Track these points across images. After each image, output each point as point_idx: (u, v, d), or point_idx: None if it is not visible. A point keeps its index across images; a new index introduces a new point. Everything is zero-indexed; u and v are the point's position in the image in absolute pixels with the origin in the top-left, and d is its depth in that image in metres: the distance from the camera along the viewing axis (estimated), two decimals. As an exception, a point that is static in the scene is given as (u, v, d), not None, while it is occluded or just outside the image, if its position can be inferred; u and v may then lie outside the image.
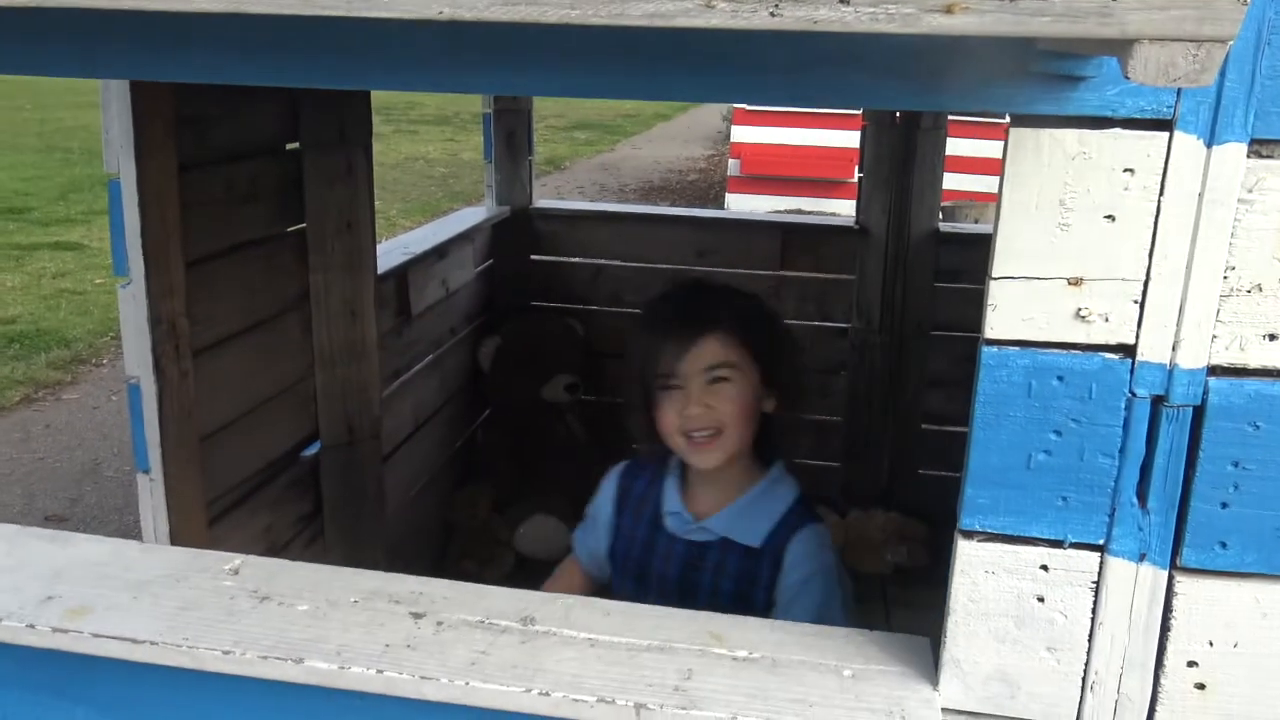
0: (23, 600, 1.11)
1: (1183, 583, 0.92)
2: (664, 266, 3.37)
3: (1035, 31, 0.60)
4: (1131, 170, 0.85)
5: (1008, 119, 0.88)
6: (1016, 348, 0.90)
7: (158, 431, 1.74)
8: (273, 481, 2.20)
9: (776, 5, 0.61)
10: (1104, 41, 0.62)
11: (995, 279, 0.89)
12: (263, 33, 0.84)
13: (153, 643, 1.05)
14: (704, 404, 1.49)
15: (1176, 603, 0.93)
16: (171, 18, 0.70)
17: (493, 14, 0.62)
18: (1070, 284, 0.88)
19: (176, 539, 1.80)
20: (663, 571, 1.61)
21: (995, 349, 0.90)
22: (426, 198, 10.59)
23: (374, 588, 1.15)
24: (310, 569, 1.19)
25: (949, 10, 0.60)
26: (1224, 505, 0.90)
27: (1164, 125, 0.85)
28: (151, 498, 1.79)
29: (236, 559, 1.20)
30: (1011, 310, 0.89)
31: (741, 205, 8.96)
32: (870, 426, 3.38)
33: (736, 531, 1.57)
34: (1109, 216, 0.87)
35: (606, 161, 13.85)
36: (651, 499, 1.66)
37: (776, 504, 1.58)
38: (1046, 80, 0.83)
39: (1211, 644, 0.93)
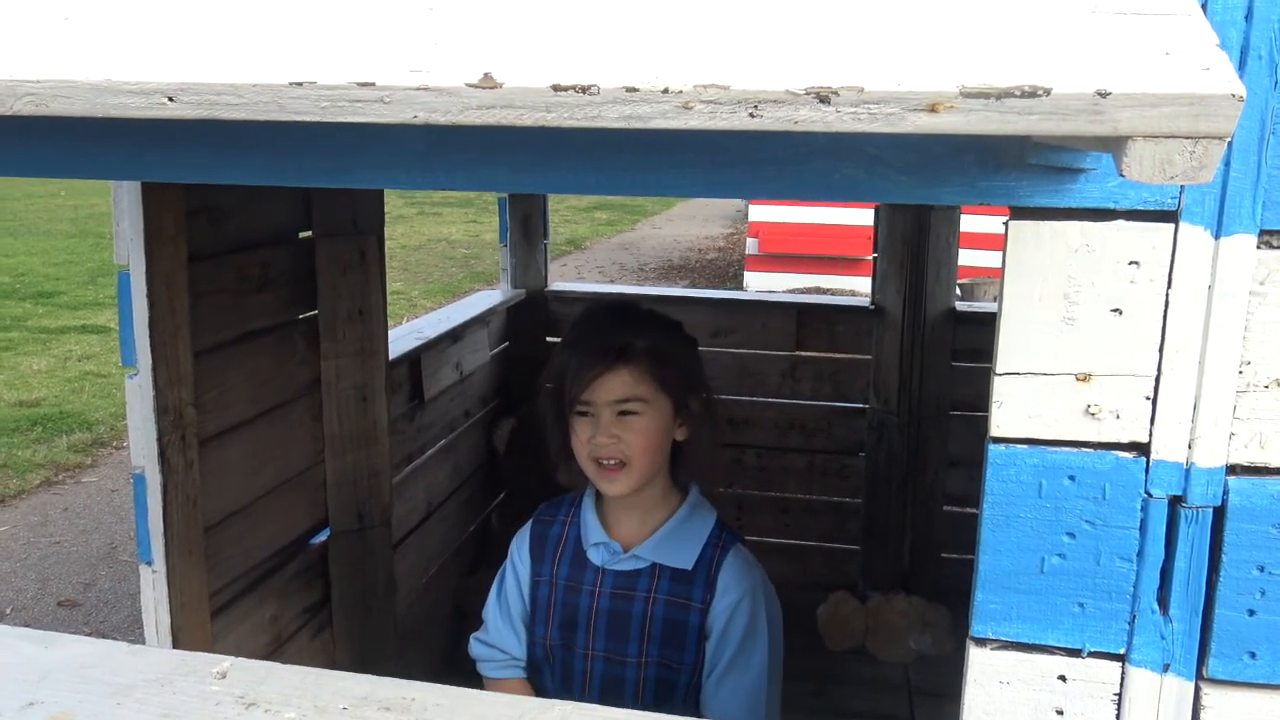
0: (2, 707, 1.08)
1: (1210, 695, 0.87)
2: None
3: (1023, 130, 0.58)
4: (1137, 263, 0.83)
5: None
6: (1025, 446, 0.86)
7: (161, 523, 1.72)
8: (280, 570, 2.16)
9: (756, 106, 0.60)
10: (1097, 139, 0.60)
11: (1000, 375, 0.86)
12: (251, 135, 0.84)
13: (133, 754, 1.01)
14: (612, 434, 1.51)
15: (1204, 716, 0.87)
16: (153, 122, 0.70)
17: (467, 118, 0.61)
18: (1079, 380, 0.85)
19: (179, 632, 1.77)
20: (591, 606, 1.60)
21: (1002, 447, 0.87)
22: (448, 279, 10.69)
23: (364, 693, 1.10)
24: (300, 672, 1.15)
25: (933, 109, 0.58)
26: (1251, 612, 0.85)
27: (1169, 217, 0.82)
28: (154, 590, 1.76)
29: (225, 661, 1.16)
30: (1018, 407, 0.86)
31: (760, 283, 9.00)
32: (890, 508, 3.31)
33: (666, 556, 1.59)
34: (1116, 310, 0.84)
35: (626, 241, 13.96)
36: (570, 538, 1.65)
37: (700, 527, 1.61)
38: (1045, 172, 0.81)
39: (1244, 761, 0.88)
